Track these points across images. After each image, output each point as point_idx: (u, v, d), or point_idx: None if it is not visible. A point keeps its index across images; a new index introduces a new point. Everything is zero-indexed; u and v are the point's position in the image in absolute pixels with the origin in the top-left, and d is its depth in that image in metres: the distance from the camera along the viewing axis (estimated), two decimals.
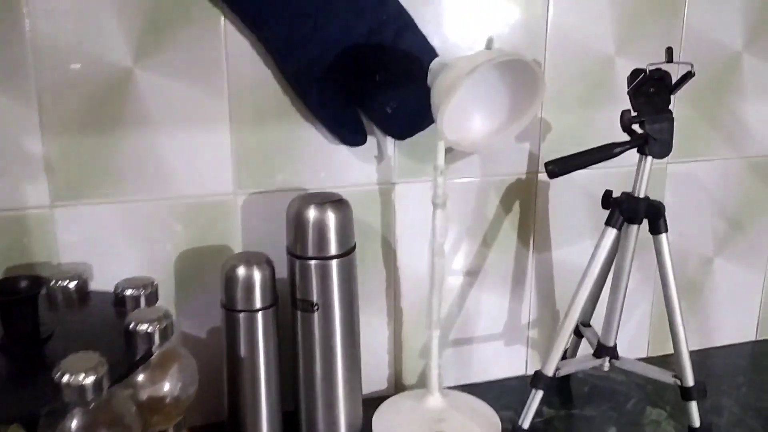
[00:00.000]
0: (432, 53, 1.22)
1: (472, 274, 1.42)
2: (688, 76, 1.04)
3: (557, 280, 1.49)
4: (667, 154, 1.12)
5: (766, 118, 1.53)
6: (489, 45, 1.29)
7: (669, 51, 1.06)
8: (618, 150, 1.11)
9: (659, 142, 1.11)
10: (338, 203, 1.16)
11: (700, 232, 1.57)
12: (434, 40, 1.24)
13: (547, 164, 1.12)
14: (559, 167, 1.12)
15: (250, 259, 1.14)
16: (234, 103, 1.18)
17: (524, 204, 1.42)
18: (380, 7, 1.17)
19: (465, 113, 1.08)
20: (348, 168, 1.28)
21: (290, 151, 1.23)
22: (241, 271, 1.11)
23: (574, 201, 1.45)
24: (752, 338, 1.69)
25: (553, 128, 1.39)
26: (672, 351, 1.24)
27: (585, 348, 1.40)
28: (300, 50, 1.14)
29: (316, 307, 1.16)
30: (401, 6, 1.19)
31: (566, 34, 1.33)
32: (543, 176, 1.41)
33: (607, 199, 1.21)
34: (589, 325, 1.40)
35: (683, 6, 1.39)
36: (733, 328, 1.66)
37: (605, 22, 1.35)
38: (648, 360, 1.59)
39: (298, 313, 1.17)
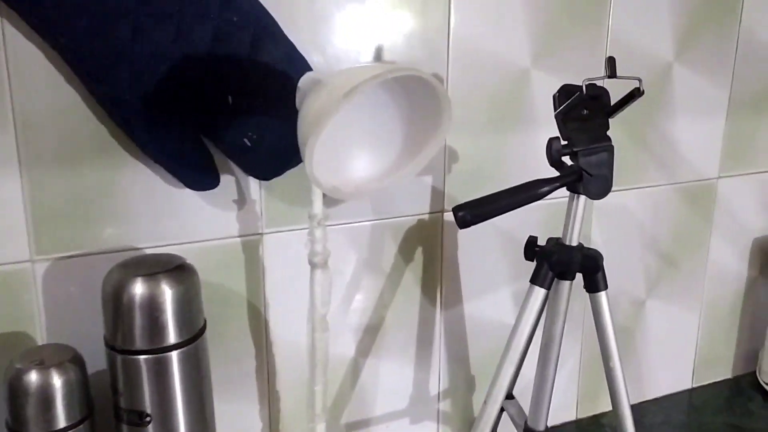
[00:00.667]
0: (303, 66, 0.93)
1: (367, 339, 1.13)
2: (635, 94, 0.80)
3: (471, 340, 1.23)
4: (605, 194, 0.88)
5: (697, 138, 1.33)
6: (378, 56, 1.01)
7: (611, 62, 0.81)
8: (545, 189, 0.86)
9: (596, 179, 0.86)
10: (177, 271, 0.84)
11: (631, 270, 1.35)
12: (308, 52, 0.94)
13: (456, 210, 0.84)
14: (473, 214, 0.85)
15: (47, 357, 0.80)
16: (25, 137, 0.84)
17: (428, 250, 1.15)
18: (229, 5, 0.86)
19: (345, 148, 0.79)
20: (198, 218, 0.97)
21: (113, 200, 0.91)
22: (32, 378, 0.78)
23: (487, 243, 1.19)
24: (688, 386, 1.49)
25: (459, 156, 1.13)
26: (604, 409, 1.00)
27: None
28: (116, 65, 0.82)
29: (148, 419, 0.83)
30: (260, 5, 0.89)
31: (472, 46, 1.08)
32: (450, 215, 1.14)
33: (532, 249, 0.96)
34: (512, 397, 1.14)
35: (607, 13, 1.17)
36: (668, 376, 1.46)
37: (518, 31, 1.10)
38: (579, 423, 1.36)
39: (124, 427, 0.84)
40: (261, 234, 1.02)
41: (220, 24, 0.86)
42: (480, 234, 1.18)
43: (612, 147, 0.86)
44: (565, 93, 0.86)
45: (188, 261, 0.88)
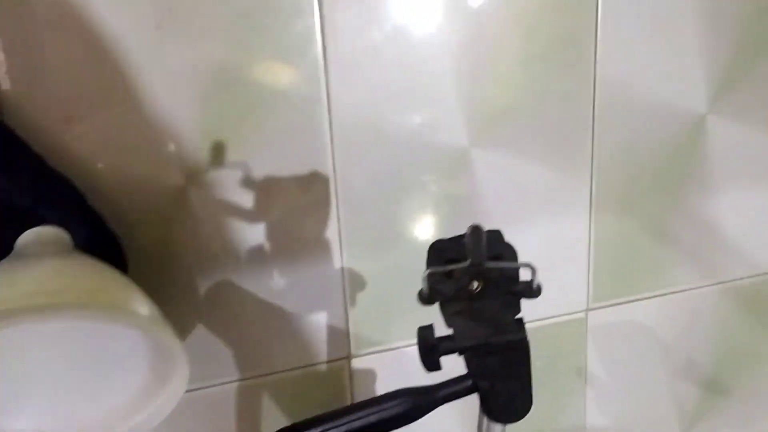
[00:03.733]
0: (58, 204, 0.65)
1: None
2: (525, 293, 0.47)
3: None
4: (519, 416, 0.55)
5: (753, 216, 0.95)
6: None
7: (474, 236, 0.48)
8: (411, 409, 0.54)
9: (499, 395, 0.54)
10: None
11: (655, 408, 1.00)
12: None
13: None
14: None
15: None
16: None
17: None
18: None
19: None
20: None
21: None
22: None
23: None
24: None
25: (367, 281, 0.82)
26: None
27: None
28: None
29: None
30: None
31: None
32: (362, 362, 0.84)
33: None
34: None
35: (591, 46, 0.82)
36: None
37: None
38: None
39: None
40: None
41: None
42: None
43: (525, 342, 0.53)
44: (437, 253, 0.53)
45: None
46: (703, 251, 0.94)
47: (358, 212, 0.79)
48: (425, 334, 0.54)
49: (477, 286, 0.53)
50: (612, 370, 0.96)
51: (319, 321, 0.82)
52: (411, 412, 0.54)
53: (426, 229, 0.82)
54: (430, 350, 0.54)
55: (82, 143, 0.68)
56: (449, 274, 0.51)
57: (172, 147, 0.71)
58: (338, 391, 0.85)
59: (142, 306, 0.44)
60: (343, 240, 0.80)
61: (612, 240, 0.90)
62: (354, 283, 0.82)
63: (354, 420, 0.54)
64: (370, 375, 0.85)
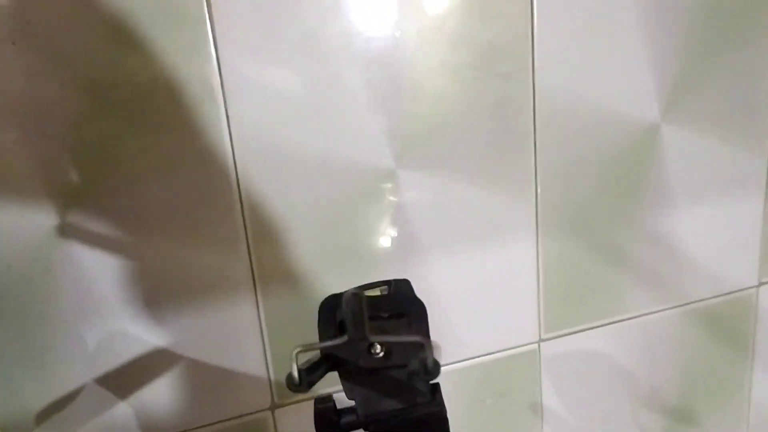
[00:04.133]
0: None
1: None
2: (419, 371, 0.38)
3: None
4: None
5: (716, 231, 0.88)
6: None
7: (352, 309, 0.39)
8: None
9: None
10: None
11: None
12: None
13: None
14: None
15: None
16: None
17: None
18: None
19: None
20: None
21: None
22: None
23: None
24: None
25: (287, 314, 0.73)
26: None
27: None
28: None
29: None
30: None
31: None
32: (287, 411, 0.75)
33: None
34: None
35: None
36: None
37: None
38: None
39: None
40: None
41: None
42: None
43: (442, 413, 0.44)
44: (329, 311, 0.45)
45: None
46: (661, 272, 0.86)
47: (271, 247, 0.70)
48: (323, 406, 0.45)
49: (380, 349, 0.44)
50: (570, 404, 0.88)
51: (236, 369, 0.72)
52: None
53: (350, 264, 0.73)
54: (329, 425, 0.45)
55: None
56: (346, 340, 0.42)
57: (42, 180, 0.61)
58: None
59: None
60: (257, 278, 0.71)
61: (562, 264, 0.82)
62: (272, 325, 0.73)
63: None
64: (296, 426, 0.76)
